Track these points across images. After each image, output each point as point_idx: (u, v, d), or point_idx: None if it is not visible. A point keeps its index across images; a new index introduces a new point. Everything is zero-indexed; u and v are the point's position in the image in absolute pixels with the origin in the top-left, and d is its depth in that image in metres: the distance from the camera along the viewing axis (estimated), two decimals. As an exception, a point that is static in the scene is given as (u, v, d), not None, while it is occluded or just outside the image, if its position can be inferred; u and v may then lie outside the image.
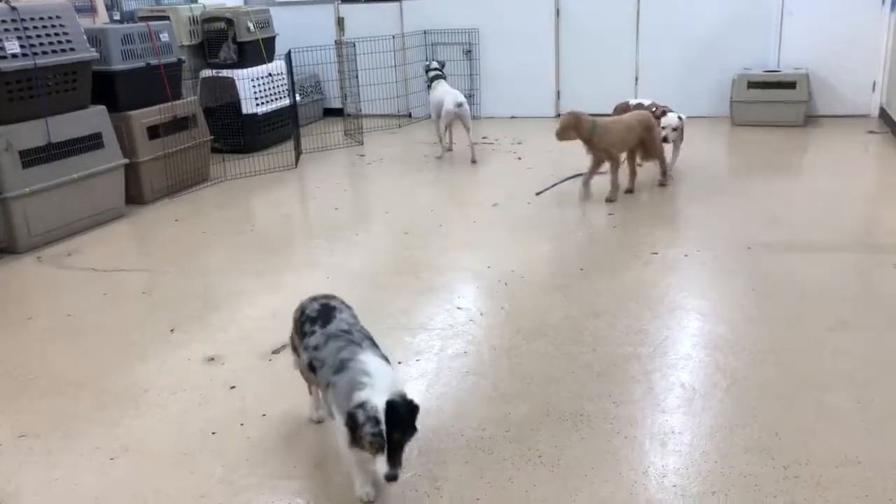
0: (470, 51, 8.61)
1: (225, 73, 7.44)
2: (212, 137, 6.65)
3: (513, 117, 8.69)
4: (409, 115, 8.11)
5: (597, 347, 3.36)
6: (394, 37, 8.33)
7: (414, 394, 3.03)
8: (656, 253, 4.41)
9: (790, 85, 7.37)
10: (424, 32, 8.71)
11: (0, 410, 3.15)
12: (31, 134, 4.94)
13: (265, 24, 7.76)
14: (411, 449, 2.68)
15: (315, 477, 2.60)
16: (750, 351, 3.27)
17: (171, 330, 3.77)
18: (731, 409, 2.84)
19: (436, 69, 7.13)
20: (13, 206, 4.85)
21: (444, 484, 2.51)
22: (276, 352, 3.48)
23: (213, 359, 3.46)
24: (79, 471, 2.71)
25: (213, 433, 2.88)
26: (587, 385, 3.06)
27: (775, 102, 7.40)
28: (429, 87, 7.10)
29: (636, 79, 8.26)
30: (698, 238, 4.64)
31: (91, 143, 5.34)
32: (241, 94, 7.39)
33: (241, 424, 2.93)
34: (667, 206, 5.37)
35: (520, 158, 6.85)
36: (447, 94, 6.72)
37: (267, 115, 7.61)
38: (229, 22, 7.45)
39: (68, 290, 4.39)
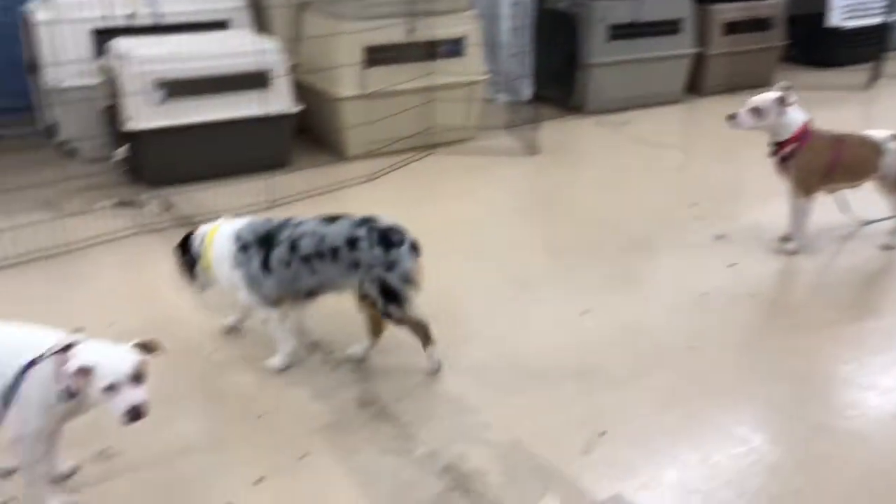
0: None
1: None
2: (787, 43, 6.50)
3: None
4: None
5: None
6: None
7: None
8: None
9: None
10: None
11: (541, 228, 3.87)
12: (623, 11, 5.50)
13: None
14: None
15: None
16: None
17: (692, 205, 4.07)
18: None
19: None
20: (594, 73, 5.55)
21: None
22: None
23: (723, 236, 3.68)
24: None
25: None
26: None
27: None
28: None
29: None
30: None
31: (669, 28, 5.72)
32: (830, 4, 6.98)
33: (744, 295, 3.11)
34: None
35: None
36: None
37: (854, 30, 7.08)
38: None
39: (617, 151, 5.04)
